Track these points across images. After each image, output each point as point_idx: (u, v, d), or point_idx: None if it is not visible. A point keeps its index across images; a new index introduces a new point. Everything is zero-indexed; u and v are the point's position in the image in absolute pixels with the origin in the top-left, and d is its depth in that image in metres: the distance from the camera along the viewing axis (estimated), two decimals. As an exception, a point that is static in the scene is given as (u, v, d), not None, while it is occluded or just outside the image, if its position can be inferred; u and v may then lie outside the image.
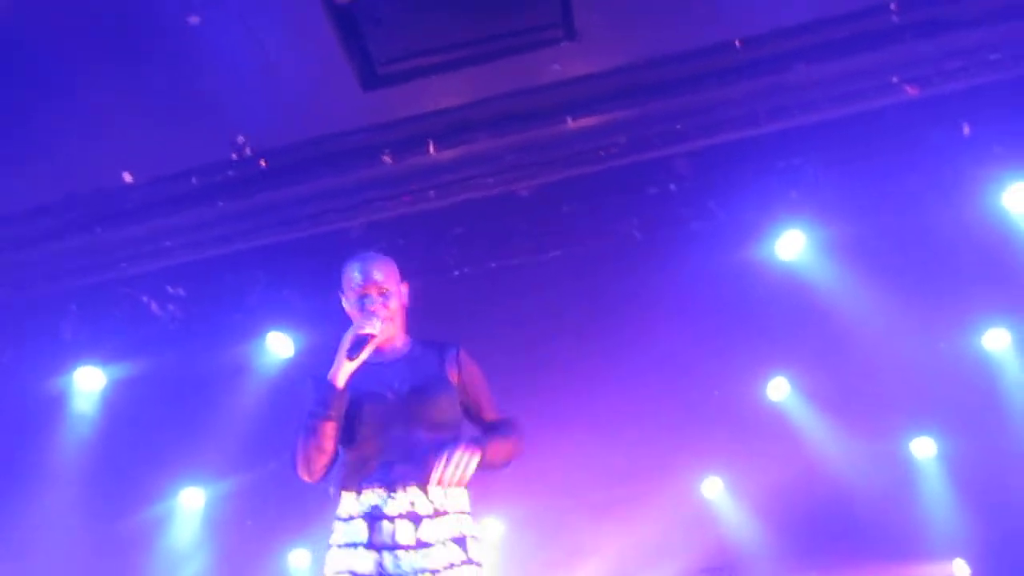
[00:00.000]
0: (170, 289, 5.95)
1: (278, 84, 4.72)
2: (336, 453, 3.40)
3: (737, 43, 4.93)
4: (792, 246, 6.01)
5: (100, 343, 6.15)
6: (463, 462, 3.25)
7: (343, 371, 3.35)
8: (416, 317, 5.94)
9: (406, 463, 3.31)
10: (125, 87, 4.68)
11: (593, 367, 6.54)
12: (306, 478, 3.41)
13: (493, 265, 5.84)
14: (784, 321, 6.29)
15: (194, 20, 4.41)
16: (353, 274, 3.58)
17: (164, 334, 6.02)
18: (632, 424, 6.75)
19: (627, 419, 6.72)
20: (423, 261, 5.86)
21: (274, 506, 7.37)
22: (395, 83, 4.64)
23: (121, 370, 6.32)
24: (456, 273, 5.87)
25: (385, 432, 3.37)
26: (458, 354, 3.64)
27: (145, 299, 5.96)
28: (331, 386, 3.34)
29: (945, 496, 6.80)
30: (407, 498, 3.29)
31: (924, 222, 5.74)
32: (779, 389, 6.97)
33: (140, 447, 6.63)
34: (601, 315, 6.27)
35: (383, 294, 3.53)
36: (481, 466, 3.32)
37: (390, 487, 3.30)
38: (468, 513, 3.41)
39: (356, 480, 3.36)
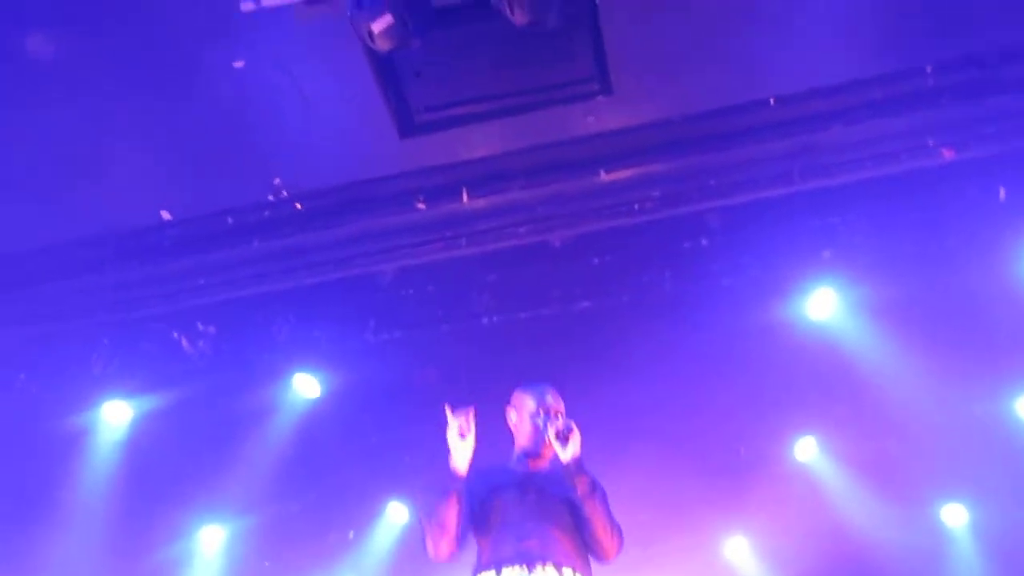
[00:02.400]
0: (201, 327, 5.99)
1: (317, 129, 4.80)
2: (462, 537, 3.78)
3: (772, 101, 4.95)
4: (824, 305, 5.96)
5: (129, 378, 6.19)
6: (574, 431, 3.80)
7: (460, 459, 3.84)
8: (445, 365, 5.95)
9: (543, 545, 3.73)
10: (168, 126, 4.78)
11: (620, 421, 6.49)
12: (437, 556, 3.78)
13: (523, 315, 5.84)
14: (814, 381, 6.22)
15: (238, 64, 4.51)
16: (541, 396, 4.18)
17: (193, 371, 6.04)
18: (658, 480, 6.69)
19: (653, 474, 6.66)
20: (453, 308, 5.87)
21: (292, 548, 7.35)
22: (432, 131, 4.70)
23: (148, 405, 6.35)
24: (485, 321, 5.87)
25: (524, 524, 3.80)
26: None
27: (176, 335, 6.00)
28: (454, 476, 3.80)
29: (976, 566, 6.66)
30: (544, 574, 3.67)
31: (958, 285, 5.68)
32: (807, 449, 6.89)
33: (163, 483, 6.65)
34: (630, 368, 6.24)
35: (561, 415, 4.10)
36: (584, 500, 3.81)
37: (530, 564, 3.68)
38: None
39: (496, 560, 3.75)
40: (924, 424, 6.16)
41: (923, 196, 5.40)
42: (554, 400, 4.15)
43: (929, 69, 4.82)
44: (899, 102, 4.92)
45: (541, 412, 4.06)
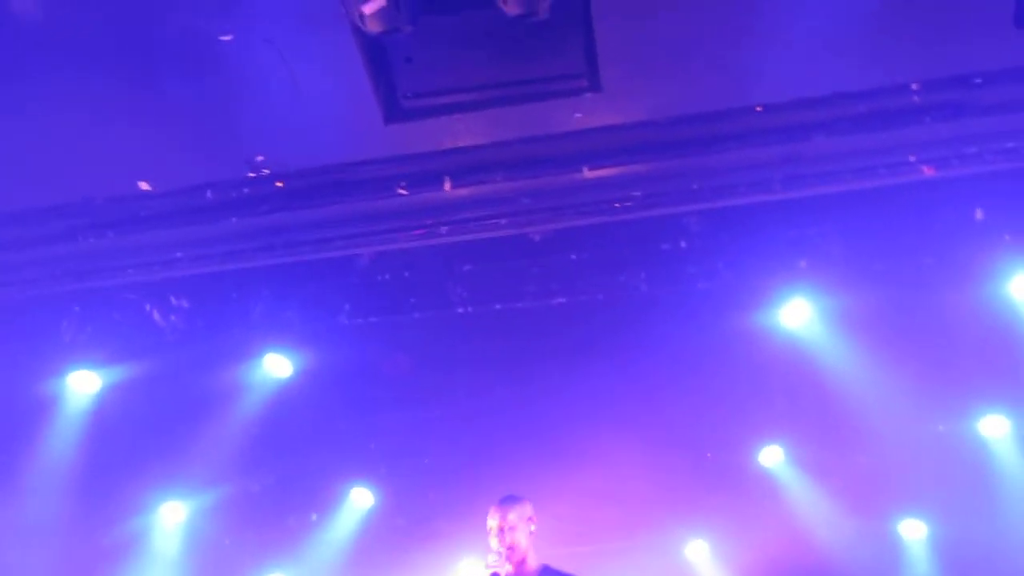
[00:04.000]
0: (174, 300, 5.95)
1: (302, 108, 4.76)
2: None
3: (758, 108, 4.96)
4: (797, 314, 6.00)
5: (99, 347, 6.14)
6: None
7: None
8: (417, 352, 5.93)
9: None
10: (150, 96, 4.71)
11: (588, 417, 6.52)
12: None
13: (498, 306, 5.84)
14: (783, 388, 6.28)
15: (226, 38, 4.46)
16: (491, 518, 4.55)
17: (163, 344, 6.01)
18: (625, 478, 6.72)
19: (620, 472, 6.68)
20: (428, 295, 5.86)
21: (254, 527, 7.32)
22: (417, 118, 4.67)
23: (116, 376, 6.30)
24: (460, 311, 5.87)
25: None
26: None
27: (148, 307, 5.96)
28: None
29: (931, 580, 6.74)
30: None
31: (931, 301, 5.75)
32: (772, 456, 6.94)
33: (128, 456, 6.60)
34: (602, 366, 6.26)
35: (508, 530, 4.49)
36: None
37: None
38: None
39: None
40: (889, 438, 6.22)
41: (902, 212, 5.45)
42: (495, 518, 4.55)
43: (915, 87, 4.85)
44: (884, 117, 4.94)
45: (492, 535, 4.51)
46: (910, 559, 6.88)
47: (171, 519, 7.23)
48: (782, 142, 5.05)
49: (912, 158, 5.07)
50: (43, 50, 4.40)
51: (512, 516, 4.55)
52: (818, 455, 6.64)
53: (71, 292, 5.84)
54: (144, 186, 5.32)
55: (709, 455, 6.86)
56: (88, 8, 4.30)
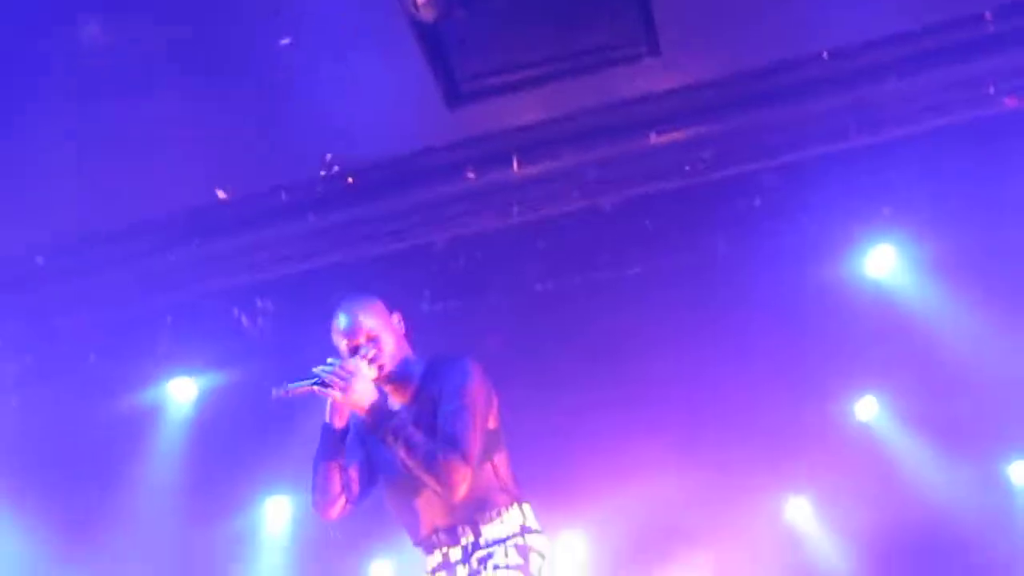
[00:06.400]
0: (259, 302, 6.09)
1: (365, 103, 4.81)
2: (349, 497, 3.37)
3: (824, 55, 4.84)
4: (883, 262, 5.85)
5: (192, 355, 6.33)
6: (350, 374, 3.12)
7: (330, 410, 3.32)
8: (499, 331, 5.97)
9: (433, 530, 3.25)
10: (217, 106, 4.83)
11: (678, 384, 6.48)
12: (319, 516, 3.41)
13: (576, 280, 5.83)
14: (874, 339, 6.14)
15: (285, 42, 4.53)
16: (336, 322, 3.38)
17: (253, 346, 6.16)
18: (717, 442, 6.67)
19: (712, 437, 6.64)
20: (506, 276, 5.89)
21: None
22: (478, 100, 4.68)
23: (212, 381, 6.49)
24: (538, 288, 5.88)
25: (400, 497, 3.34)
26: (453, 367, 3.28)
27: (236, 312, 6.12)
28: (326, 427, 3.34)
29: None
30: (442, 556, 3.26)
31: (1021, 237, 5.54)
32: (868, 409, 6.80)
33: (230, 456, 6.80)
34: (687, 331, 6.21)
35: (373, 339, 3.33)
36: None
37: (428, 550, 3.30)
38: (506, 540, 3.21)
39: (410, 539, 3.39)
40: (988, 380, 6.03)
41: (985, 147, 5.25)
42: (370, 319, 3.38)
43: (989, 15, 4.67)
44: (957, 51, 4.78)
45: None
46: (1021, 503, 6.69)
47: (277, 514, 7.43)
48: (853, 88, 4.92)
49: (992, 90, 4.89)
50: (110, 72, 4.54)
51: (367, 320, 3.33)
52: (916, 404, 6.48)
53: (161, 304, 6.03)
54: (221, 194, 5.46)
55: (803, 412, 6.75)
56: (151, 24, 4.41)
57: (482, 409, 3.20)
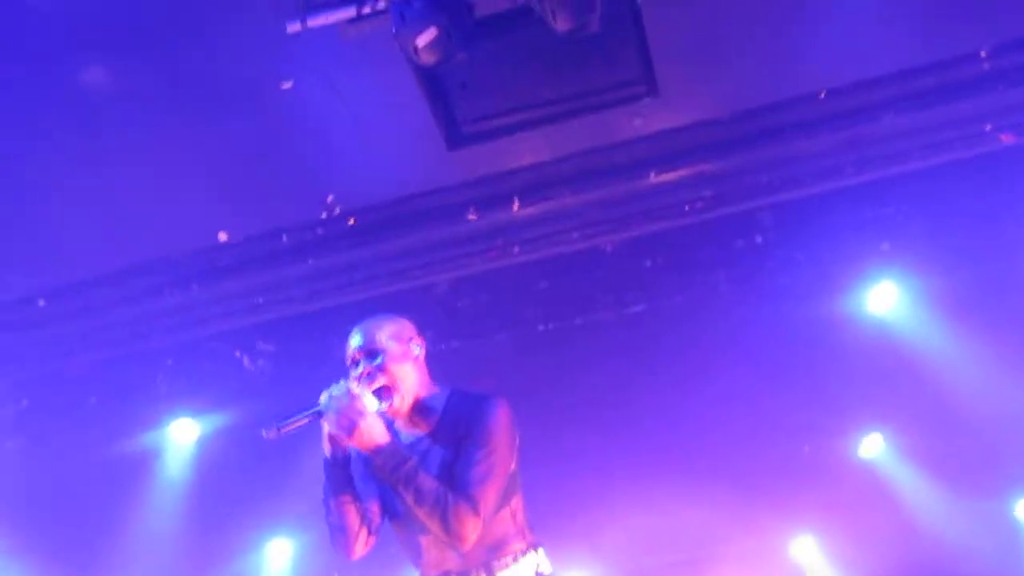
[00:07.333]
0: (260, 344, 6.09)
1: (366, 145, 4.85)
2: (370, 529, 3.20)
3: (822, 95, 4.88)
4: (884, 299, 5.85)
5: (194, 396, 6.31)
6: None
7: (325, 440, 3.16)
8: (502, 372, 5.97)
9: (444, 573, 3.13)
10: (220, 149, 4.86)
11: (680, 422, 6.46)
12: (342, 556, 3.20)
13: (578, 320, 5.83)
14: (877, 376, 6.12)
15: (287, 85, 4.57)
16: (350, 337, 3.26)
17: (254, 388, 6.15)
18: (720, 480, 6.63)
19: (715, 475, 6.60)
20: (508, 316, 5.89)
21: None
22: (480, 141, 4.71)
23: (213, 423, 6.46)
24: (541, 328, 5.88)
25: (409, 536, 3.19)
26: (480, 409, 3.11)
27: (237, 354, 6.11)
28: (327, 462, 3.18)
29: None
30: None
31: (1020, 273, 5.55)
32: (873, 446, 6.77)
33: (232, 498, 6.76)
34: (690, 369, 6.20)
35: (373, 356, 3.19)
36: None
37: None
38: None
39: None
40: (992, 417, 6.01)
41: (982, 183, 5.29)
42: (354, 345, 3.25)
43: (984, 53, 4.72)
44: (953, 88, 4.82)
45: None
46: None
47: (279, 556, 7.37)
48: (849, 125, 4.96)
49: (987, 127, 4.93)
50: (111, 111, 4.56)
51: (382, 337, 3.18)
52: (920, 441, 6.45)
53: (162, 346, 6.03)
54: (223, 236, 5.48)
55: (806, 449, 6.73)
56: (152, 66, 4.45)
57: (505, 456, 3.07)
